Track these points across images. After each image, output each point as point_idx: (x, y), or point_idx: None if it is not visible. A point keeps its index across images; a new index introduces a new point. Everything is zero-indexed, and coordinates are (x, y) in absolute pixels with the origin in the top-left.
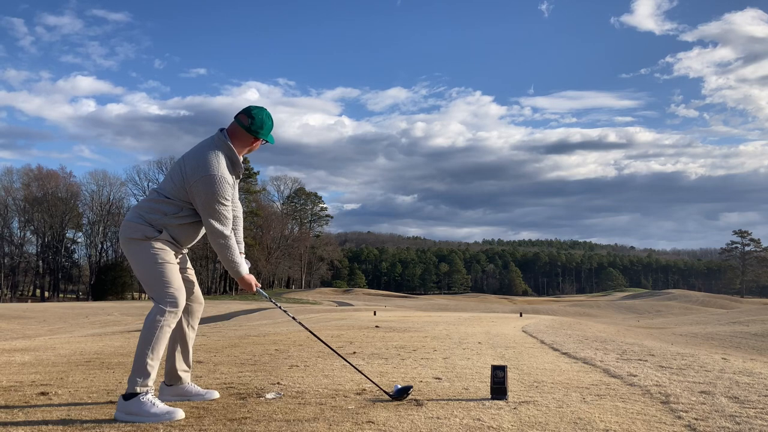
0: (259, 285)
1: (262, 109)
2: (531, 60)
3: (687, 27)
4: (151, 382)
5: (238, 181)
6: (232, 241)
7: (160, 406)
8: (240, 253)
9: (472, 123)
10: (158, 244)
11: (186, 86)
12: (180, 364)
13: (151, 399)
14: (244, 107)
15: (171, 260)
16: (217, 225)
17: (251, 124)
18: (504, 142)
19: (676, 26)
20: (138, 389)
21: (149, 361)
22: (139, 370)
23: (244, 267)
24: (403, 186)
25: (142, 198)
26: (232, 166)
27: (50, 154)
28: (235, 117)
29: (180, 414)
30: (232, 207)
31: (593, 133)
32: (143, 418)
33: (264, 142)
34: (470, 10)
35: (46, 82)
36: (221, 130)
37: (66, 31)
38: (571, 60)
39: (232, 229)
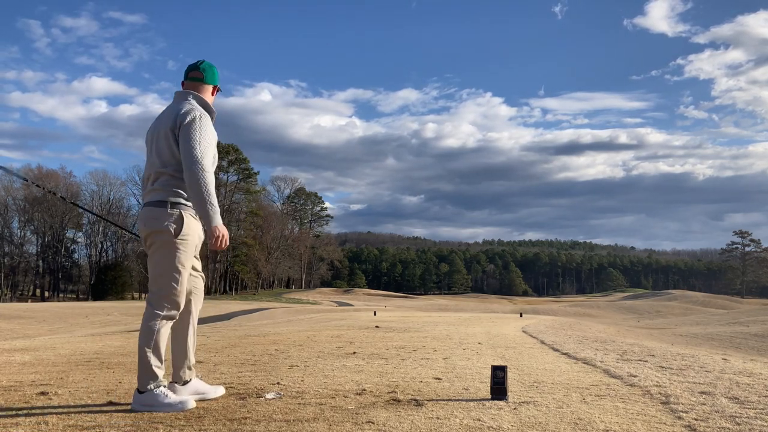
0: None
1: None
2: (541, 61)
3: (699, 29)
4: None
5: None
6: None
7: (172, 396)
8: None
9: (483, 124)
10: None
11: None
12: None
13: (164, 391)
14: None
15: None
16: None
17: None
18: (514, 143)
19: (689, 28)
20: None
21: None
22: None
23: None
24: (410, 186)
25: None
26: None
27: (61, 154)
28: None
29: (191, 404)
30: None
31: (603, 134)
32: (157, 408)
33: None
34: (482, 13)
35: (61, 83)
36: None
37: (82, 33)
38: (582, 61)
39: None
